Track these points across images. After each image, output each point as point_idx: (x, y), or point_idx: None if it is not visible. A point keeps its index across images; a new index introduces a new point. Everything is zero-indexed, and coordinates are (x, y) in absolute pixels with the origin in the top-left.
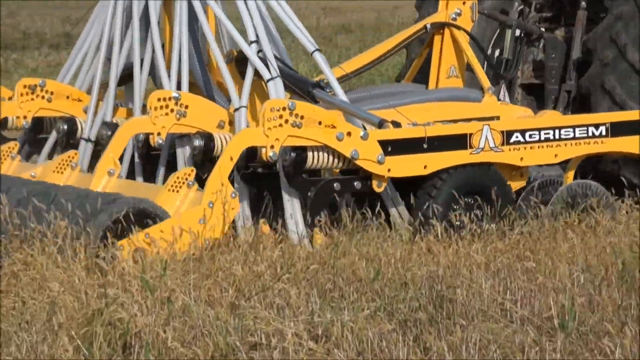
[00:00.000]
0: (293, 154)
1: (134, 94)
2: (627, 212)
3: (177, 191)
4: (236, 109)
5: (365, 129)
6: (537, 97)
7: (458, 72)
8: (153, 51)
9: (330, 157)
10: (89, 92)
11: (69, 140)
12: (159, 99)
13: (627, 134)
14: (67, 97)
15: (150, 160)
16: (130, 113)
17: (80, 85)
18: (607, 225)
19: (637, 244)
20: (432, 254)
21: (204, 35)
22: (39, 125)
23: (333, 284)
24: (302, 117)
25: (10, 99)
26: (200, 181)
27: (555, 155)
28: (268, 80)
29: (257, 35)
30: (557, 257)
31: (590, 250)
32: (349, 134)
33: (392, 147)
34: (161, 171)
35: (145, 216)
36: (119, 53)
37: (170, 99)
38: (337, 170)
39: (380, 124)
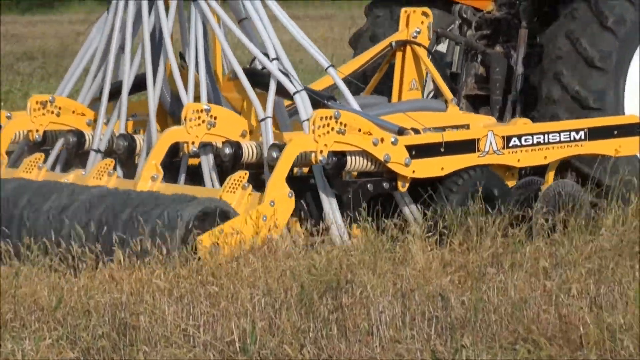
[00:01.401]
0: (335, 158)
1: (148, 105)
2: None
3: (234, 192)
4: (262, 120)
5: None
6: (477, 106)
7: (418, 85)
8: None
9: (365, 161)
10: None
11: (77, 151)
12: (193, 111)
13: (603, 137)
14: (73, 112)
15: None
16: (138, 124)
17: (82, 99)
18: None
19: (315, 266)
20: (115, 281)
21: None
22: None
23: (14, 313)
24: (345, 125)
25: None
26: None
27: (545, 157)
28: (294, 94)
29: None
30: (238, 282)
31: (271, 274)
32: (382, 140)
33: (416, 151)
34: (182, 177)
35: (220, 214)
36: (130, 67)
37: (202, 111)
38: (355, 173)
39: (400, 132)
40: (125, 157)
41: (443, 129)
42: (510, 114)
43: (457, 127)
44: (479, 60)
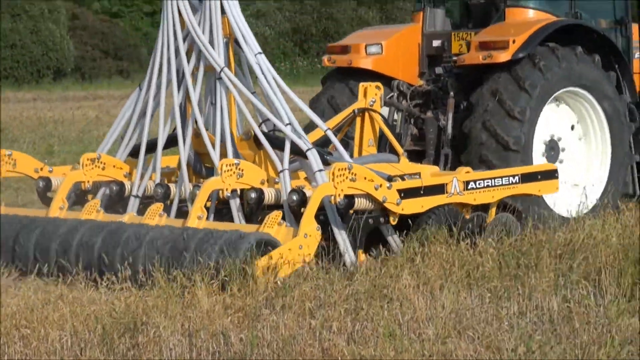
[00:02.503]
0: (346, 200)
1: (180, 160)
2: None
3: (272, 227)
4: (281, 171)
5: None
6: (414, 159)
7: (374, 142)
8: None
9: (368, 201)
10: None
11: (119, 197)
12: (226, 165)
13: (531, 181)
14: (114, 166)
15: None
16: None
17: (119, 156)
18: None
19: (115, 310)
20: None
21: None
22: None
23: None
24: (355, 174)
25: (41, 169)
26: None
27: (492, 196)
28: (306, 151)
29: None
30: (49, 325)
31: (77, 318)
32: (381, 185)
33: (404, 194)
34: (212, 216)
35: (269, 244)
36: (164, 129)
37: (233, 164)
38: (352, 211)
39: (390, 179)
40: (162, 201)
41: (402, 176)
42: (444, 164)
43: (411, 175)
44: (413, 123)
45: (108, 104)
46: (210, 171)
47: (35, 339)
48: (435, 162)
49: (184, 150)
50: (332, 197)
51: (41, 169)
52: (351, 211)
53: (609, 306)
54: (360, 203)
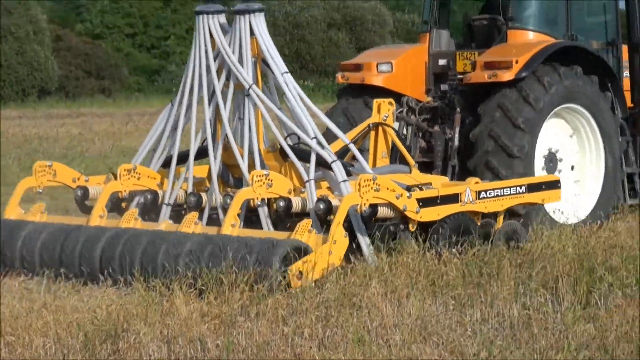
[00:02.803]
0: (370, 209)
1: (211, 171)
2: None
3: (302, 234)
4: (307, 181)
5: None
6: (423, 170)
7: (387, 154)
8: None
9: (389, 210)
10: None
11: (152, 205)
12: (257, 176)
13: (536, 191)
14: (148, 176)
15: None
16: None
17: (153, 166)
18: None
19: (97, 318)
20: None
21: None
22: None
23: None
24: (379, 185)
25: (78, 178)
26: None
27: (502, 205)
28: (331, 162)
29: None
30: (33, 332)
31: (61, 325)
32: (401, 195)
33: (423, 203)
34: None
35: (302, 250)
36: (195, 141)
37: (263, 175)
38: (374, 219)
39: (409, 189)
40: (195, 209)
41: (419, 187)
42: (451, 174)
43: (423, 184)
44: (421, 136)
45: (91, 121)
46: (238, 181)
47: (21, 346)
48: (443, 173)
49: (215, 162)
50: (358, 206)
51: (78, 178)
52: (373, 219)
53: (565, 313)
54: (383, 211)
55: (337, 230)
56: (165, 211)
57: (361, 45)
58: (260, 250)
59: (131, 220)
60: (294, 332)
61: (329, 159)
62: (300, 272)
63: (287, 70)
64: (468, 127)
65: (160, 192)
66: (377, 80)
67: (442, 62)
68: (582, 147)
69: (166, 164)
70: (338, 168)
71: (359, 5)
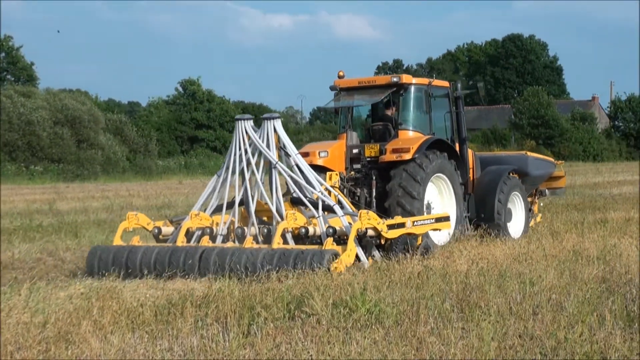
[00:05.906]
0: (365, 230)
1: (250, 213)
2: None
3: (330, 246)
4: (317, 217)
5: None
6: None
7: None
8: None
9: (373, 231)
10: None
11: (210, 237)
12: (290, 214)
13: (439, 222)
14: (206, 219)
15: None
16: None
17: (208, 212)
18: None
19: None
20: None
21: None
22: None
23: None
24: (370, 217)
25: (148, 224)
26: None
27: (424, 229)
28: (332, 206)
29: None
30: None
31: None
32: (379, 223)
33: (389, 227)
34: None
35: (334, 254)
36: (238, 194)
37: (292, 213)
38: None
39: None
40: (240, 239)
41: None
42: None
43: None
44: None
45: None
46: (261, 221)
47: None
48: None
49: (252, 207)
50: (360, 229)
51: (148, 223)
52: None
53: (232, 341)
54: (370, 232)
55: (351, 243)
56: (220, 240)
57: (79, 139)
58: (313, 254)
59: (204, 242)
60: None
61: (331, 204)
62: (335, 267)
63: (297, 152)
64: (380, 187)
65: (215, 228)
66: (320, 162)
67: (355, 151)
68: (443, 199)
69: (217, 210)
70: (337, 209)
71: (78, 107)
